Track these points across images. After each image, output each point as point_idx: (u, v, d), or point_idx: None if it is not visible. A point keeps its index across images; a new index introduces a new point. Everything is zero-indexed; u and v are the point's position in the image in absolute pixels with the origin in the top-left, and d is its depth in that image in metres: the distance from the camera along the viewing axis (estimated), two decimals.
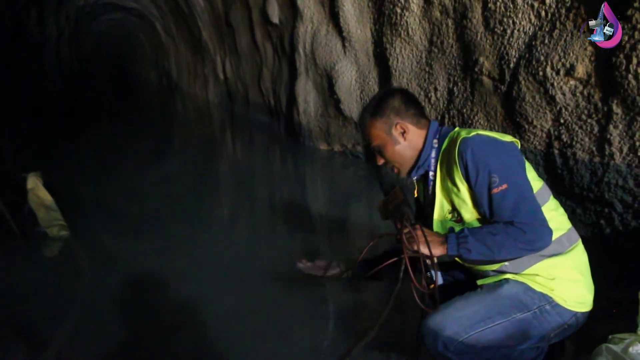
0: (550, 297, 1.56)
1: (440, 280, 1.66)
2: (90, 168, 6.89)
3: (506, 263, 1.59)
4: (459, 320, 1.55)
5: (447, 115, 3.91)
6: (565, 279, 1.58)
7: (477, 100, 3.55)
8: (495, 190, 1.49)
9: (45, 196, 3.91)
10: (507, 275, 1.61)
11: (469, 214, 1.60)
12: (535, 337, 1.59)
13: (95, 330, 2.62)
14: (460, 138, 1.57)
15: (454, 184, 1.59)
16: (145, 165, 6.82)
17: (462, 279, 1.76)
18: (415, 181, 1.77)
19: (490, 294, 1.60)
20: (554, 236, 1.52)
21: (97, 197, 5.20)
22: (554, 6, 2.86)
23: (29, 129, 10.99)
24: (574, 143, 2.85)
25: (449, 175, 1.61)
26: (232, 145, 8.85)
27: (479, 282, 1.67)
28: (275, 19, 7.09)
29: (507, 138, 1.61)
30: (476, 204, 1.57)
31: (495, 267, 1.62)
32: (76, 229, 3.99)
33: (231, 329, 2.53)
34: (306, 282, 3.05)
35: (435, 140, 1.69)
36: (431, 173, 1.69)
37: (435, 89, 4.00)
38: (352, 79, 5.25)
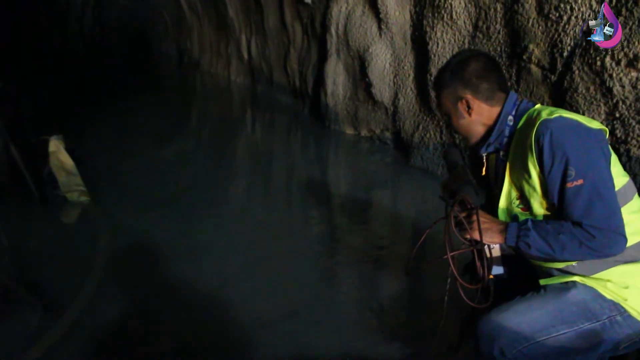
0: (623, 307, 1.39)
1: (499, 271, 1.50)
2: (109, 138, 6.81)
3: (574, 264, 1.42)
4: (519, 326, 1.39)
5: None
6: None
7: (522, 89, 3.38)
8: (569, 185, 1.33)
9: (67, 160, 3.83)
10: (575, 278, 1.44)
11: (538, 203, 1.43)
12: (602, 349, 1.42)
13: (110, 299, 2.56)
14: (541, 119, 1.39)
15: (526, 169, 1.42)
16: (164, 141, 6.74)
17: (522, 273, 1.60)
18: (484, 157, 1.61)
19: (556, 298, 1.43)
20: (633, 241, 1.36)
21: (116, 167, 5.12)
22: None
23: (49, 93, 10.95)
24: (629, 139, 2.68)
25: (521, 159, 1.44)
26: (253, 124, 8.72)
27: (542, 281, 1.50)
28: None
29: (595, 124, 1.41)
30: (547, 194, 1.40)
31: (560, 265, 1.45)
32: (95, 196, 3.91)
33: (246, 310, 2.44)
34: (329, 265, 2.95)
35: (510, 117, 1.52)
36: (502, 153, 1.53)
37: None
38: (386, 63, 5.08)
